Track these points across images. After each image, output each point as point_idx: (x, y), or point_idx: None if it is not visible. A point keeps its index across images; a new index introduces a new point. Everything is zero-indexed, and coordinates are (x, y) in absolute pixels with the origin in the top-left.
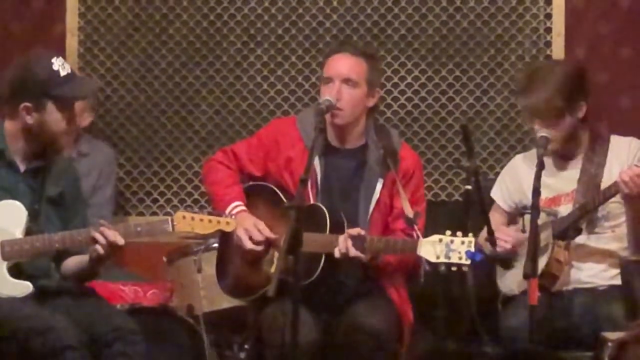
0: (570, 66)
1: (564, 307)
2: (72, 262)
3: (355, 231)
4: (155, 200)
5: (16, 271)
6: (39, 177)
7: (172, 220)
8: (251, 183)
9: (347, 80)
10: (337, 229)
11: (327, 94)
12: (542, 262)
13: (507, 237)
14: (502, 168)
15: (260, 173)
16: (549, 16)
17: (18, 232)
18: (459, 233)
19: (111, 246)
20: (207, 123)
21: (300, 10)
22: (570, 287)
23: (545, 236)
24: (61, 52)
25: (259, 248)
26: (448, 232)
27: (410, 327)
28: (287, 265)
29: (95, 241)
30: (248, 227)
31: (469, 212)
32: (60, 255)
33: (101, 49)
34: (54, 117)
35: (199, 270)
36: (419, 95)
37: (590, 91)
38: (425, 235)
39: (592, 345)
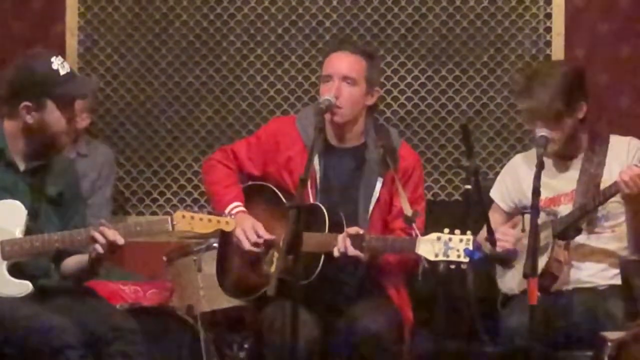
0: (569, 67)
1: (564, 306)
2: (72, 262)
3: (354, 230)
4: (155, 200)
5: (16, 271)
6: (38, 176)
7: (172, 220)
8: (250, 183)
9: (346, 78)
10: (336, 228)
11: (327, 92)
12: (542, 262)
13: (506, 236)
14: (501, 168)
15: (259, 172)
16: (548, 16)
17: (18, 232)
18: (457, 231)
19: (111, 246)
20: (207, 122)
21: (300, 10)
22: (570, 287)
23: (545, 236)
24: (61, 51)
25: (258, 249)
26: (446, 230)
27: (410, 327)
28: (287, 265)
29: (95, 241)
30: (246, 228)
31: (468, 211)
32: (60, 255)
33: (101, 48)
34: (54, 116)
35: (199, 270)
36: (419, 95)
37: (590, 91)
38: (425, 235)
39: (592, 345)
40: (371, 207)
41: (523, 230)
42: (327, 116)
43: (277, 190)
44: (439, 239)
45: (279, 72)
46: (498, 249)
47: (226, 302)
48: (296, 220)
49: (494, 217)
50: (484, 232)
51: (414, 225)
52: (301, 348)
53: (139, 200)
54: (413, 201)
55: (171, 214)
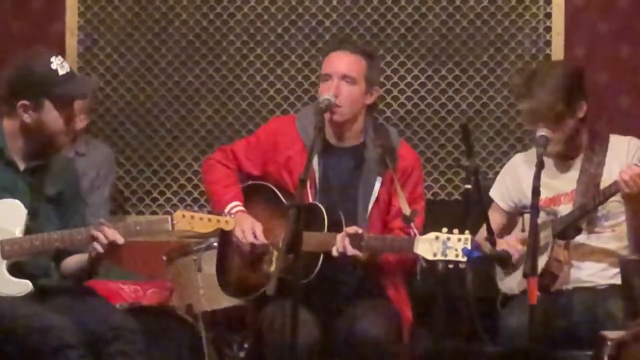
0: (568, 67)
1: (564, 306)
2: (72, 261)
3: (352, 230)
4: (154, 199)
5: (16, 270)
6: (38, 176)
7: (172, 219)
8: (250, 182)
9: (345, 77)
10: (336, 227)
11: (326, 91)
12: (541, 262)
13: (512, 249)
14: (501, 167)
15: (259, 172)
16: (548, 15)
17: (17, 231)
18: (455, 230)
19: (111, 245)
20: (207, 122)
21: (300, 10)
22: (570, 287)
23: (545, 235)
24: (61, 51)
25: (255, 250)
26: (445, 230)
27: (410, 327)
28: (287, 265)
29: (96, 240)
30: (245, 228)
31: (468, 211)
32: (60, 254)
33: (101, 47)
34: (51, 115)
35: (199, 270)
36: (419, 95)
37: (590, 91)
38: (423, 234)
39: (592, 345)
40: (370, 207)
41: (523, 230)
42: (327, 115)
43: (276, 190)
44: (437, 238)
45: (279, 71)
46: (497, 249)
47: (226, 301)
48: (296, 220)
49: (494, 217)
50: (483, 232)
51: (412, 224)
52: (301, 348)
53: (139, 200)
54: (412, 200)
55: (171, 214)
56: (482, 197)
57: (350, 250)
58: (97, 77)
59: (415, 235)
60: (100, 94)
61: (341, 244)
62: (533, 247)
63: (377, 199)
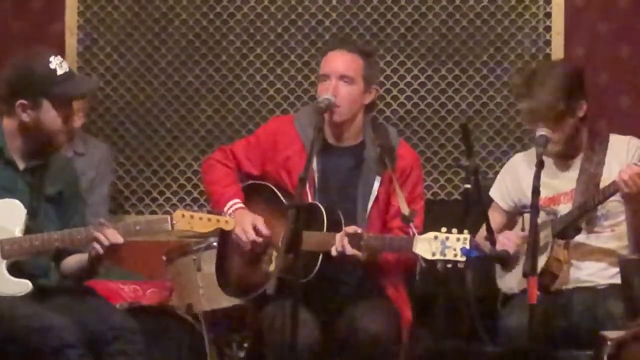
0: (568, 67)
1: (564, 306)
2: (72, 261)
3: (352, 229)
4: (154, 199)
5: (15, 270)
6: (37, 175)
7: (172, 219)
8: (249, 182)
9: (343, 77)
10: (335, 227)
11: (324, 91)
12: (541, 261)
13: (509, 242)
14: (501, 167)
15: (258, 172)
16: (548, 15)
17: (17, 231)
18: (454, 230)
19: (111, 245)
20: (207, 122)
21: (300, 9)
22: (570, 286)
23: (544, 235)
24: (60, 50)
25: (256, 248)
26: (444, 229)
27: (409, 327)
28: (287, 264)
29: (97, 241)
30: (245, 225)
31: (468, 211)
32: (60, 254)
33: (100, 47)
34: (49, 115)
35: (199, 269)
36: (419, 94)
37: (590, 91)
38: (422, 234)
39: (592, 344)
40: (369, 206)
41: (523, 230)
42: (326, 115)
43: (275, 190)
44: (436, 238)
45: (279, 71)
46: (497, 248)
47: (226, 301)
48: (295, 220)
49: (494, 216)
50: (483, 232)
51: (411, 224)
52: (301, 347)
53: (139, 200)
54: (411, 200)
55: (171, 213)
56: (481, 197)
57: (349, 250)
58: (96, 77)
59: (414, 234)
60: (100, 94)
61: (340, 243)
62: (533, 247)
63: (377, 198)
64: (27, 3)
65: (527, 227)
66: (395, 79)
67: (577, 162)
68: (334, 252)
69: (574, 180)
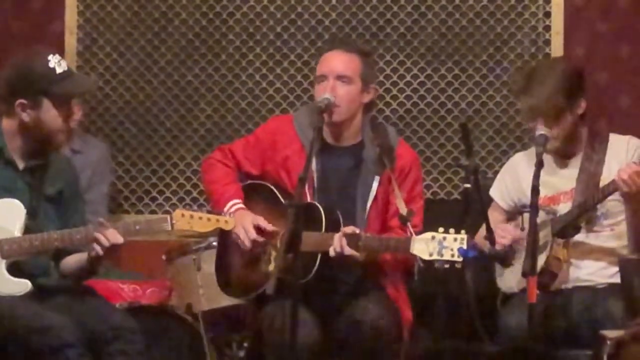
0: (568, 63)
1: (563, 305)
2: (71, 261)
3: (350, 229)
4: (154, 199)
5: (15, 269)
6: (37, 175)
7: (171, 219)
8: (249, 182)
9: (341, 77)
10: (334, 227)
11: (322, 92)
12: (541, 260)
13: (505, 233)
14: (501, 166)
15: (257, 172)
16: (548, 14)
17: (17, 230)
18: (451, 230)
19: (111, 245)
20: (206, 121)
21: (299, 9)
22: (570, 286)
23: (544, 234)
24: (60, 50)
25: (257, 247)
26: (441, 230)
27: (410, 326)
28: (287, 264)
29: (96, 241)
30: (245, 225)
31: (468, 210)
32: (59, 254)
33: (100, 47)
34: (50, 114)
35: (198, 269)
36: (418, 94)
37: (590, 90)
38: (420, 234)
39: (591, 344)
40: (368, 206)
41: (522, 229)
42: (325, 115)
43: (274, 190)
44: (433, 238)
45: (278, 70)
46: (497, 247)
47: (225, 300)
48: (295, 219)
49: (494, 216)
50: (483, 231)
51: (408, 224)
52: (300, 347)
53: (138, 199)
54: (410, 199)
55: (170, 213)
56: (481, 196)
57: (348, 250)
58: (96, 77)
59: (411, 235)
60: (99, 93)
61: (338, 244)
62: (532, 246)
63: (376, 198)
64: (26, 3)
65: (526, 226)
66: (394, 78)
67: (577, 161)
68: (332, 253)
69: (574, 179)
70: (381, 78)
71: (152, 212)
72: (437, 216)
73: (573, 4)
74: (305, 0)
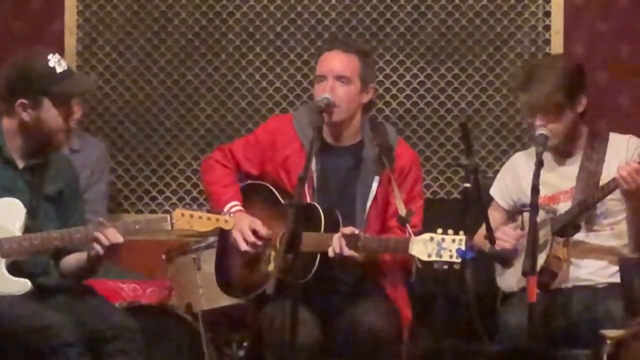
0: (568, 61)
1: (563, 304)
2: (71, 260)
3: (349, 230)
4: (153, 198)
5: (15, 269)
6: (37, 174)
7: (171, 218)
8: (248, 182)
9: (340, 77)
10: (333, 227)
11: (321, 92)
12: (540, 259)
13: (507, 237)
14: (501, 166)
15: (257, 171)
16: (547, 14)
17: (17, 230)
18: (450, 231)
19: (111, 245)
20: (206, 121)
21: (299, 8)
22: (569, 285)
23: (544, 233)
24: (60, 49)
25: (255, 249)
26: (439, 231)
27: (409, 326)
28: (286, 264)
29: (97, 240)
30: (243, 228)
31: (467, 210)
32: (59, 253)
33: (100, 46)
34: (50, 114)
35: (198, 268)
36: (418, 93)
37: (589, 90)
38: (419, 234)
39: (591, 343)
40: (368, 206)
41: (522, 229)
42: (324, 115)
43: (274, 190)
44: (432, 239)
45: (278, 70)
46: (497, 247)
47: (225, 300)
48: (295, 219)
49: (494, 215)
50: (483, 230)
51: (407, 225)
52: (300, 347)
53: (138, 199)
54: (410, 199)
55: (170, 212)
56: (481, 196)
57: (346, 251)
58: (95, 76)
59: (410, 236)
60: (99, 93)
61: (337, 244)
62: (532, 246)
63: (375, 198)
64: (26, 3)
65: (526, 225)
66: (394, 77)
67: (577, 160)
68: (331, 253)
69: (574, 178)
70: (381, 77)
71: (152, 211)
72: (436, 216)
73: (573, 3)
74: (305, 0)
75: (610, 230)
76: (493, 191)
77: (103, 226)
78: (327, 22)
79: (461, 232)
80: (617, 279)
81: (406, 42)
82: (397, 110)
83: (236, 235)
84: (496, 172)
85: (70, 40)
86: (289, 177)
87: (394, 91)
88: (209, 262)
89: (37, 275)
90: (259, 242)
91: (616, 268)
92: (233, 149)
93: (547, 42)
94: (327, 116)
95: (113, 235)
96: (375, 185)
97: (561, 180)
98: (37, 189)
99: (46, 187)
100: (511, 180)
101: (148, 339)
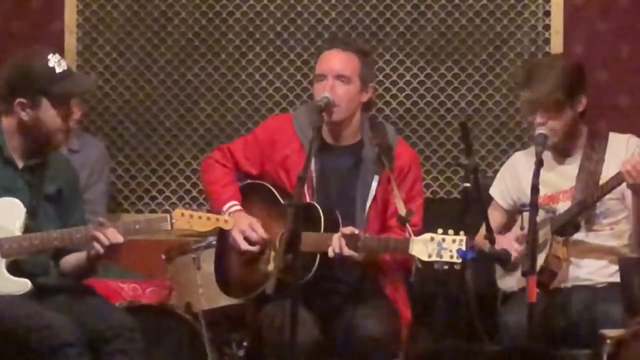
0: (569, 60)
1: (563, 304)
2: (71, 260)
3: (348, 230)
4: (153, 198)
5: (15, 269)
6: (37, 174)
7: (171, 218)
8: (248, 181)
9: (339, 77)
10: (333, 227)
11: (321, 91)
12: (540, 259)
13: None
14: (500, 165)
15: (256, 171)
16: (547, 13)
17: (17, 230)
18: (450, 231)
19: (111, 245)
20: (206, 120)
21: (299, 8)
22: (569, 285)
23: (543, 232)
24: (59, 49)
25: (255, 249)
26: (440, 231)
27: (409, 326)
28: (286, 264)
29: (97, 240)
30: (243, 227)
31: (467, 209)
32: (59, 253)
33: (100, 46)
34: (49, 114)
35: (198, 268)
36: (418, 93)
37: (589, 90)
38: (420, 234)
39: (591, 343)
40: (367, 206)
41: (522, 228)
42: (324, 114)
43: (273, 190)
44: (432, 239)
45: (278, 70)
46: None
47: (225, 300)
48: (295, 219)
49: (494, 215)
50: (483, 230)
51: (407, 225)
52: (300, 347)
53: (138, 198)
54: (410, 198)
55: (170, 212)
56: (481, 196)
57: (346, 251)
58: (95, 76)
59: (410, 236)
60: (99, 92)
61: (337, 244)
62: (532, 245)
63: (375, 197)
64: (26, 2)
65: (526, 225)
66: (394, 77)
67: (577, 160)
68: (330, 253)
69: (574, 178)
70: (380, 77)
71: (152, 211)
72: (436, 215)
73: (573, 3)
74: (304, 0)
75: (609, 230)
76: (493, 191)
77: (103, 226)
78: (327, 21)
79: (462, 232)
80: (616, 278)
81: (406, 41)
82: (397, 109)
83: (236, 235)
84: (496, 171)
85: (70, 40)
86: (288, 176)
87: (394, 91)
88: (208, 261)
89: (37, 275)
90: (257, 244)
91: (616, 268)
92: (232, 149)
93: (547, 41)
94: (327, 115)
95: (113, 235)
96: (374, 184)
97: (561, 180)
98: (37, 189)
99: (46, 187)
100: (511, 180)
101: (148, 338)
